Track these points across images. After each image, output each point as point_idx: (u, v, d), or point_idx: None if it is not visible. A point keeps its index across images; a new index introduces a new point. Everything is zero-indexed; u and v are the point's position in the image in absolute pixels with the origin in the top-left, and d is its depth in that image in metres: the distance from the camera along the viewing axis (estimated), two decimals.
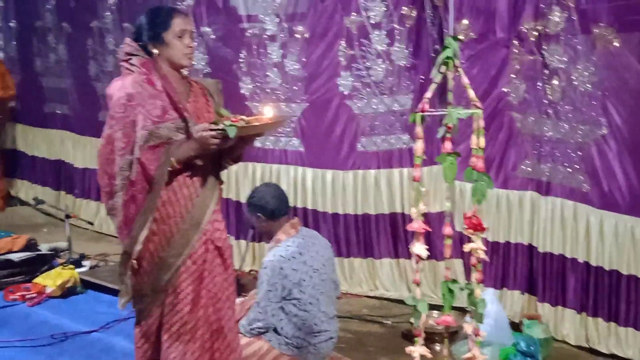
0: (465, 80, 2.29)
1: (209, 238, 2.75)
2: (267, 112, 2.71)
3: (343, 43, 4.36)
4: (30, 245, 5.23)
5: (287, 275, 3.37)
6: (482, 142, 2.29)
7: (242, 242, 4.90)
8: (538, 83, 3.70)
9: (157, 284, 2.71)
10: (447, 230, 2.40)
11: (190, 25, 2.75)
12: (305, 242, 3.51)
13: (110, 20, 5.66)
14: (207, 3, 4.94)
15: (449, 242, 2.41)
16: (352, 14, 4.30)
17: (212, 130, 2.58)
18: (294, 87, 4.60)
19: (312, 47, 4.50)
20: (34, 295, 4.57)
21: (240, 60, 4.80)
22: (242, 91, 4.83)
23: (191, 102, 2.78)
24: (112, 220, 2.75)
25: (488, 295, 3.41)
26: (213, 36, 4.90)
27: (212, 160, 2.77)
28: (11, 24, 6.76)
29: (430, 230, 2.34)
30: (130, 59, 2.74)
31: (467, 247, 2.38)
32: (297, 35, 4.51)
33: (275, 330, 3.41)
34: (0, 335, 4.01)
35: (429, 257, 2.55)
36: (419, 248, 2.34)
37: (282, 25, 4.57)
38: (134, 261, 2.69)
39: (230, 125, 2.55)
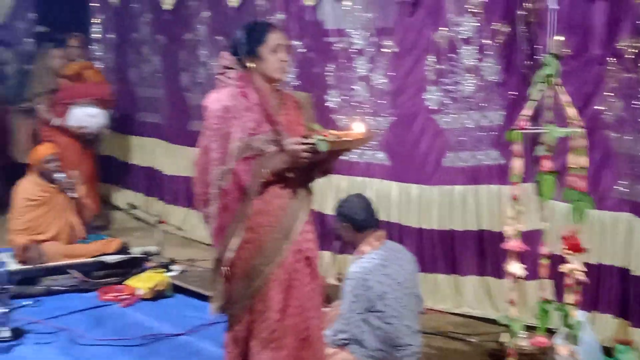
0: (565, 98, 2.26)
1: (298, 248, 2.82)
2: (358, 127, 2.75)
3: (431, 58, 4.36)
4: (123, 249, 5.45)
5: (370, 287, 3.40)
6: (584, 161, 2.25)
7: (325, 253, 4.95)
8: (635, 101, 3.59)
9: (248, 290, 2.79)
10: (543, 250, 2.37)
11: (285, 40, 2.83)
12: (390, 255, 3.53)
13: (203, 33, 5.85)
14: (297, 17, 5.04)
15: (545, 262, 2.38)
16: (441, 28, 4.29)
17: (303, 144, 2.65)
18: (381, 101, 4.63)
19: (399, 61, 4.52)
20: (127, 296, 4.74)
21: (327, 73, 4.86)
22: (328, 104, 4.90)
23: (283, 115, 2.86)
24: (207, 228, 2.85)
25: (580, 317, 3.33)
26: (301, 50, 4.99)
27: (303, 172, 2.84)
28: (110, 36, 7.08)
29: (528, 249, 2.32)
30: (226, 72, 2.84)
31: (564, 268, 2.34)
32: (385, 50, 4.54)
33: (359, 342, 3.44)
34: (95, 333, 4.18)
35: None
36: (516, 267, 2.32)
37: (370, 40, 4.60)
38: (226, 268, 2.78)
39: (322, 139, 2.60)
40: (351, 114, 4.78)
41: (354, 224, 3.55)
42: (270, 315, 2.78)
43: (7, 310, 4.05)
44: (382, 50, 4.56)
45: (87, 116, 6.20)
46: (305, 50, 4.98)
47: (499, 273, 4.23)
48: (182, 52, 6.11)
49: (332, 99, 4.88)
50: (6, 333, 4.03)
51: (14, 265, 4.97)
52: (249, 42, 2.79)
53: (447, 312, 4.47)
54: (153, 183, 6.84)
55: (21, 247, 5.06)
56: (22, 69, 7.03)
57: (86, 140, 6.35)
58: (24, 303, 4.27)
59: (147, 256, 5.46)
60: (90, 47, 6.28)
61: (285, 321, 2.78)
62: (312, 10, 4.95)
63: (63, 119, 6.24)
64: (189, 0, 5.92)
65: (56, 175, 5.25)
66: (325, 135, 2.64)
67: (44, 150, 5.30)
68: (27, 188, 5.27)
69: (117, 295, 4.75)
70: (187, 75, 6.17)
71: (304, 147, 2.64)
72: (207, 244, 6.07)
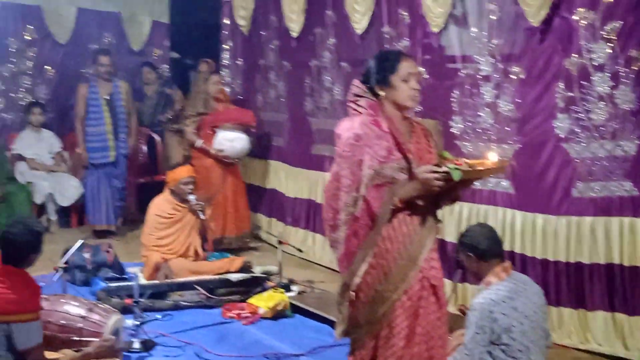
0: None
1: (425, 276, 2.82)
2: (491, 156, 2.73)
3: (561, 85, 4.25)
4: (246, 267, 5.62)
5: (496, 319, 3.32)
6: None
7: (446, 281, 4.88)
8: None
9: (373, 316, 2.82)
10: None
11: (416, 69, 2.86)
12: (517, 287, 3.44)
13: (329, 60, 5.99)
14: (421, 43, 5.06)
15: None
16: (573, 55, 4.18)
17: (436, 172, 2.66)
18: (507, 128, 4.55)
19: (527, 88, 4.43)
20: (249, 314, 4.88)
21: (452, 99, 4.85)
22: (452, 130, 4.87)
23: (414, 142, 2.88)
24: (334, 252, 2.90)
25: None
26: (426, 76, 5.00)
27: (431, 200, 2.84)
28: (238, 62, 7.38)
29: None
30: (357, 100, 2.90)
31: None
32: (512, 76, 4.47)
33: None
34: (219, 349, 4.32)
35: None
36: None
37: (497, 66, 4.55)
38: (352, 292, 2.82)
39: (455, 168, 2.60)
40: (475, 140, 4.73)
41: (478, 253, 3.49)
42: (395, 342, 2.78)
43: (138, 322, 4.27)
44: (509, 76, 4.49)
45: (226, 140, 6.38)
46: (429, 76, 4.98)
47: (631, 309, 4.04)
48: (307, 78, 6.26)
49: (456, 125, 4.85)
50: (137, 345, 4.24)
51: (144, 280, 5.23)
52: (380, 70, 2.84)
53: (572, 348, 4.31)
54: (275, 205, 7.02)
55: (153, 265, 5.32)
56: (163, 92, 7.41)
57: (227, 163, 6.50)
58: (157, 316, 4.45)
59: (267, 276, 5.59)
60: (219, 72, 6.51)
61: (410, 349, 2.78)
62: (436, 36, 4.96)
63: (206, 141, 6.43)
64: (315, 27, 6.08)
65: (189, 197, 5.50)
66: (458, 164, 2.64)
67: (183, 172, 5.58)
68: (160, 205, 5.56)
69: (240, 313, 4.89)
70: (311, 100, 6.31)
71: (436, 175, 2.65)
72: (325, 266, 6.17)
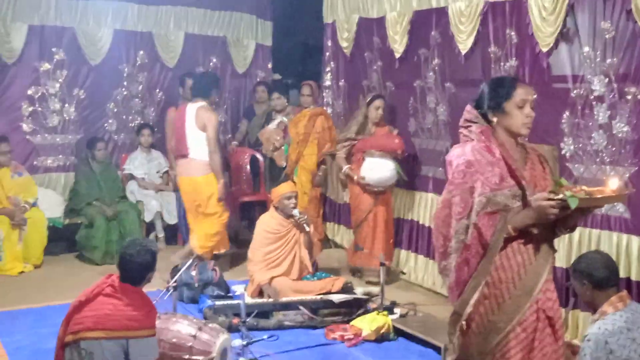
0: None
1: (540, 307, 2.75)
2: (612, 184, 2.63)
3: None
4: (348, 288, 5.62)
5: (612, 350, 3.19)
6: None
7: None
8: None
9: (485, 346, 2.76)
10: None
11: (531, 95, 2.80)
12: (635, 318, 3.29)
13: (432, 80, 5.95)
14: (530, 64, 4.94)
15: None
16: None
17: (551, 199, 2.58)
18: (622, 150, 4.37)
19: None
20: (352, 336, 4.88)
21: (562, 121, 4.70)
22: (562, 152, 4.72)
23: (528, 169, 2.82)
24: (444, 280, 2.86)
25: None
26: (535, 96, 4.85)
27: (546, 228, 2.76)
28: (340, 84, 7.44)
29: None
30: (469, 126, 2.87)
31: None
32: (628, 97, 4.30)
33: None
34: None
35: None
36: None
37: (612, 86, 4.39)
38: (464, 322, 2.77)
39: (572, 196, 2.52)
40: (588, 163, 4.56)
41: (594, 281, 3.35)
42: None
43: (245, 342, 4.34)
44: (624, 97, 4.31)
45: (368, 167, 6.14)
46: (537, 97, 4.84)
47: None
48: (410, 98, 6.23)
49: (567, 147, 4.69)
50: None
51: (249, 299, 5.33)
52: (495, 96, 2.80)
53: None
54: None
55: (256, 285, 5.42)
56: (270, 112, 7.53)
57: (376, 191, 6.20)
58: (263, 337, 4.52)
59: (369, 297, 5.57)
60: (381, 97, 6.28)
61: None
62: (545, 56, 4.83)
63: (357, 167, 6.23)
64: (419, 48, 6.06)
65: (293, 211, 5.60)
66: (575, 191, 2.55)
67: (284, 188, 5.69)
68: (267, 221, 5.70)
69: (343, 335, 4.89)
70: (415, 120, 6.28)
71: (552, 203, 2.58)
72: (428, 289, 6.09)
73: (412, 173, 6.35)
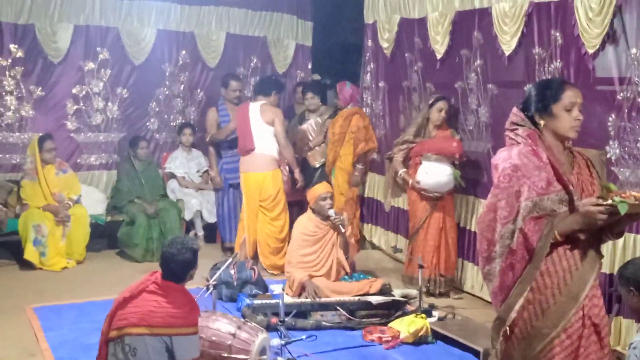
0: None
1: (586, 313, 2.71)
2: None
3: None
4: (386, 290, 5.60)
5: None
6: None
7: None
8: None
9: (528, 352, 2.73)
10: None
11: (579, 98, 2.76)
12: None
13: (474, 81, 5.89)
14: (575, 65, 4.87)
15: None
16: None
17: (600, 205, 2.54)
18: None
19: None
20: (389, 338, 4.86)
21: (608, 124, 4.62)
22: (608, 156, 4.63)
23: (575, 174, 2.78)
24: (487, 285, 2.83)
25: None
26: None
27: (593, 234, 2.72)
28: (380, 84, 7.41)
29: None
30: (516, 129, 2.83)
31: None
32: None
33: None
34: None
35: None
36: None
37: None
38: (507, 328, 2.74)
39: (621, 201, 2.48)
40: (634, 167, 4.47)
41: None
42: None
43: (283, 342, 4.36)
44: None
45: (424, 172, 5.87)
46: (583, 99, 4.76)
47: None
48: (451, 100, 6.17)
49: (612, 150, 4.61)
50: None
51: (287, 299, 5.34)
52: (542, 99, 2.76)
53: None
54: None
55: (297, 283, 5.43)
56: (304, 112, 7.52)
57: (434, 197, 5.89)
58: (302, 337, 4.53)
59: (408, 299, 5.55)
60: (444, 98, 6.13)
61: None
62: (591, 58, 4.75)
63: (410, 171, 6.01)
64: (461, 49, 6.01)
65: (329, 212, 5.59)
66: (624, 197, 2.51)
67: (319, 188, 5.68)
68: (303, 223, 5.71)
69: (381, 337, 4.88)
70: (456, 122, 6.22)
71: (600, 208, 2.53)
72: (467, 292, 6.04)
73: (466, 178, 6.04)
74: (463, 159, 5.95)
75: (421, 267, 5.34)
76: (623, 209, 2.47)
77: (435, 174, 5.86)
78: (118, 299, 3.52)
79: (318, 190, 5.67)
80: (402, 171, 6.06)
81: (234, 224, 7.13)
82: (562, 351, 2.68)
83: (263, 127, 6.47)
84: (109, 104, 7.63)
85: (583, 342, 2.69)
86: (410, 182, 5.96)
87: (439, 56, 6.30)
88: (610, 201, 2.51)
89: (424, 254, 5.86)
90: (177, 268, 3.49)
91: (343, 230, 5.62)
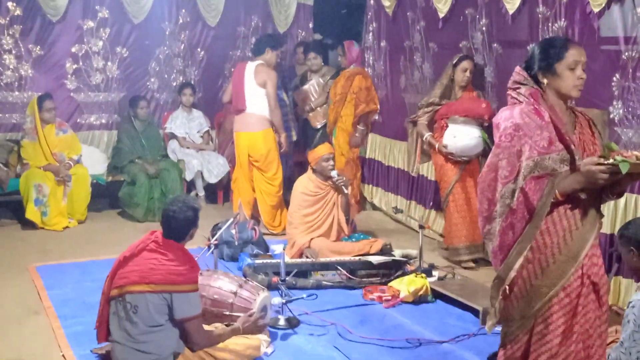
0: None
1: (585, 272, 2.72)
2: None
3: None
4: (386, 250, 5.63)
5: None
6: None
7: None
8: None
9: (527, 311, 2.74)
10: None
11: (583, 57, 2.73)
12: None
13: (479, 41, 5.81)
14: (580, 24, 4.80)
15: None
16: None
17: (601, 164, 2.53)
18: None
19: None
20: (389, 297, 4.89)
21: (612, 84, 4.57)
22: (611, 116, 4.60)
23: (577, 133, 2.77)
24: (487, 245, 2.84)
25: None
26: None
27: (594, 194, 2.71)
28: (382, 44, 7.33)
29: None
30: (518, 87, 2.80)
31: None
32: None
33: None
34: (361, 330, 4.37)
35: None
36: None
37: None
38: (506, 286, 2.75)
39: (623, 160, 2.46)
40: (637, 127, 4.44)
41: None
42: (550, 338, 2.70)
43: (284, 300, 4.39)
44: None
45: (451, 135, 5.61)
46: (587, 59, 4.71)
47: None
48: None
49: (616, 111, 4.58)
50: (282, 322, 4.38)
51: (289, 259, 5.37)
52: (546, 57, 2.73)
53: None
54: (415, 187, 6.96)
55: (297, 248, 5.48)
56: (306, 73, 7.45)
57: (461, 161, 5.67)
58: (303, 295, 4.57)
59: (408, 259, 5.57)
60: (470, 58, 5.96)
61: (567, 347, 2.69)
62: (596, 17, 4.68)
63: (439, 135, 5.70)
64: (465, 8, 5.91)
65: (331, 173, 5.60)
66: (626, 156, 2.49)
67: (322, 150, 5.67)
68: (304, 183, 5.74)
69: (381, 296, 4.91)
70: None
71: (602, 168, 2.52)
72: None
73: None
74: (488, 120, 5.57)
75: (421, 227, 5.35)
76: (624, 168, 2.45)
77: (463, 137, 5.58)
78: (119, 258, 3.54)
79: (320, 151, 5.66)
80: (427, 135, 5.75)
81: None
82: (561, 309, 2.69)
83: (255, 88, 6.43)
84: (109, 63, 7.57)
85: (581, 301, 2.70)
86: (436, 146, 5.68)
87: (441, 15, 6.21)
88: (611, 160, 2.50)
89: (458, 223, 5.71)
90: (177, 226, 3.50)
91: (346, 192, 5.63)
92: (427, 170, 6.69)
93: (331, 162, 5.62)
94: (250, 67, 6.50)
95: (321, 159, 5.61)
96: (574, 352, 2.69)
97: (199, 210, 3.62)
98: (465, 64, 5.62)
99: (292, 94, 7.60)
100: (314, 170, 5.71)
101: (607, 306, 2.80)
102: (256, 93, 6.43)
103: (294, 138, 7.35)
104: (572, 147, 2.67)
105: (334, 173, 5.61)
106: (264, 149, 6.49)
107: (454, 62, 5.65)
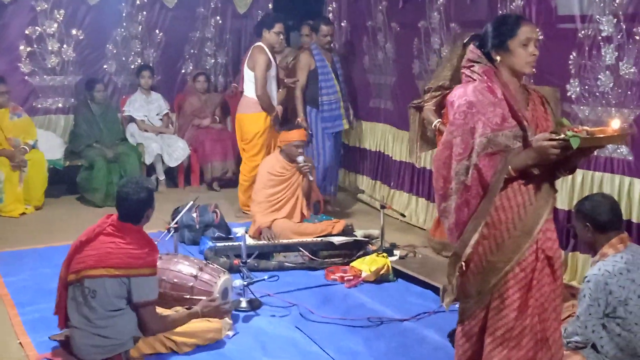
0: None
1: (539, 247, 2.74)
2: (614, 124, 2.59)
3: None
4: (348, 231, 5.64)
5: (612, 291, 3.23)
6: None
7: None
8: None
9: (483, 286, 2.76)
10: None
11: (535, 34, 2.73)
12: (635, 259, 3.32)
13: (437, 21, 5.82)
14: (537, 3, 4.83)
15: None
16: None
17: (552, 140, 2.55)
18: (628, 92, 4.31)
19: None
20: (351, 277, 4.91)
21: (569, 62, 4.62)
22: (568, 94, 4.65)
23: (530, 110, 2.78)
24: (443, 222, 2.85)
25: None
26: (541, 37, 4.77)
27: (547, 169, 2.74)
28: (342, 24, 7.30)
29: None
30: (472, 65, 2.81)
31: None
32: (637, 37, 4.21)
33: (594, 346, 3.29)
34: (323, 310, 4.38)
35: None
36: None
37: (620, 26, 4.29)
38: (463, 263, 2.76)
39: (573, 135, 2.49)
40: (593, 105, 4.50)
41: (597, 224, 3.36)
42: (506, 313, 2.73)
43: (246, 283, 4.38)
44: (633, 37, 4.22)
45: None
46: (543, 37, 4.75)
47: None
48: (415, 40, 6.11)
49: (573, 89, 4.63)
50: (244, 304, 4.36)
51: (250, 240, 5.35)
52: (498, 34, 2.73)
53: None
54: (380, 167, 6.98)
55: (257, 227, 5.47)
56: None
57: None
58: (264, 277, 4.55)
59: (369, 239, 5.60)
60: (473, 41, 5.90)
61: (523, 321, 2.71)
62: None
63: (444, 121, 5.14)
64: None
65: (298, 158, 5.60)
66: (576, 131, 2.52)
67: (295, 134, 5.68)
68: (271, 163, 5.75)
69: (343, 276, 4.93)
70: (419, 62, 6.18)
71: (553, 143, 2.54)
72: (426, 230, 6.10)
73: None
74: None
75: (383, 207, 5.37)
76: (575, 143, 2.48)
77: None
78: (75, 243, 3.48)
79: (293, 135, 5.68)
80: (437, 122, 5.26)
81: (334, 175, 6.84)
82: (516, 284, 2.72)
83: (247, 72, 6.41)
84: (64, 45, 7.41)
85: (536, 275, 2.73)
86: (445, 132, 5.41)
87: None
88: (562, 136, 2.52)
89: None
90: (132, 208, 3.45)
91: (311, 178, 5.66)
92: (392, 150, 6.71)
93: (300, 149, 5.64)
94: (251, 49, 6.49)
95: (291, 144, 5.63)
96: (529, 326, 2.72)
97: (153, 191, 3.57)
98: (471, 46, 5.07)
99: None
100: (281, 151, 5.70)
101: (561, 280, 2.83)
102: (249, 77, 6.41)
103: (345, 127, 6.77)
104: (525, 123, 2.69)
105: (300, 159, 5.63)
106: (250, 132, 6.43)
107: (465, 40, 5.07)
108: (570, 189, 4.70)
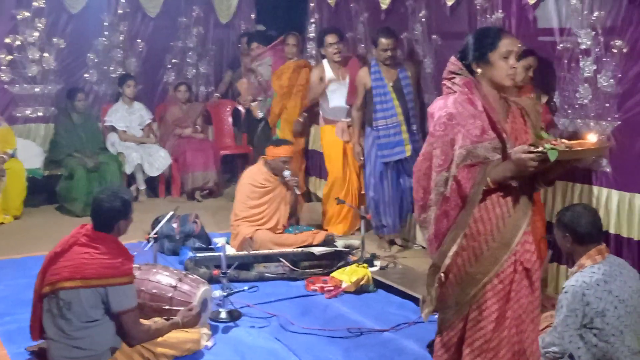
0: None
1: (518, 259, 2.76)
2: (591, 137, 2.62)
3: None
4: (328, 241, 5.63)
5: (589, 302, 3.25)
6: None
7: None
8: None
9: (462, 297, 2.78)
10: None
11: (516, 47, 2.76)
12: (612, 271, 3.34)
13: (419, 32, 5.85)
14: (517, 16, 4.87)
15: None
16: None
17: (531, 152, 2.57)
18: (606, 104, 4.35)
19: (630, 63, 4.20)
20: (332, 288, 4.90)
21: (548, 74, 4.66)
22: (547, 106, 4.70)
23: (509, 122, 2.80)
24: (423, 233, 2.86)
25: None
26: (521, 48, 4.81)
27: (525, 181, 2.76)
28: None
29: None
30: (453, 77, 2.82)
31: None
32: (614, 50, 4.26)
33: (571, 357, 3.31)
34: (302, 321, 4.36)
35: None
36: None
37: (598, 39, 4.34)
38: (442, 274, 2.77)
39: (552, 148, 2.51)
40: (572, 116, 4.54)
41: (576, 235, 3.39)
42: (485, 324, 2.74)
43: (225, 293, 4.35)
44: (611, 50, 4.27)
45: None
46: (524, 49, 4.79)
47: None
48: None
49: (552, 101, 4.66)
50: (223, 314, 4.34)
51: (231, 250, 5.33)
52: (479, 47, 2.75)
53: None
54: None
55: (239, 239, 5.44)
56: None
57: None
58: (244, 288, 4.53)
59: (350, 250, 5.60)
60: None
61: (501, 332, 2.73)
62: (532, 8, 4.76)
63: None
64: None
65: (284, 172, 5.62)
66: (555, 144, 2.54)
67: (285, 150, 5.69)
68: (253, 175, 5.71)
69: (323, 287, 4.92)
70: None
71: (531, 155, 2.56)
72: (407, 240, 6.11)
73: None
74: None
75: (363, 217, 5.38)
76: (553, 156, 2.50)
77: None
78: (49, 254, 3.45)
79: (283, 151, 5.67)
80: None
81: (389, 210, 5.87)
82: (494, 295, 2.73)
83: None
84: (45, 54, 7.36)
85: (514, 287, 2.75)
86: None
87: (384, 7, 6.21)
88: (541, 149, 2.54)
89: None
90: (105, 216, 3.42)
91: (298, 192, 5.66)
92: None
93: (287, 165, 5.64)
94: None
95: (279, 159, 5.62)
96: (506, 337, 2.73)
97: (129, 202, 3.53)
98: (530, 60, 4.45)
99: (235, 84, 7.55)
100: (265, 162, 5.68)
101: (539, 291, 2.85)
102: None
103: (407, 154, 5.70)
104: (504, 135, 2.71)
105: (286, 173, 5.62)
106: None
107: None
108: (551, 201, 4.72)
